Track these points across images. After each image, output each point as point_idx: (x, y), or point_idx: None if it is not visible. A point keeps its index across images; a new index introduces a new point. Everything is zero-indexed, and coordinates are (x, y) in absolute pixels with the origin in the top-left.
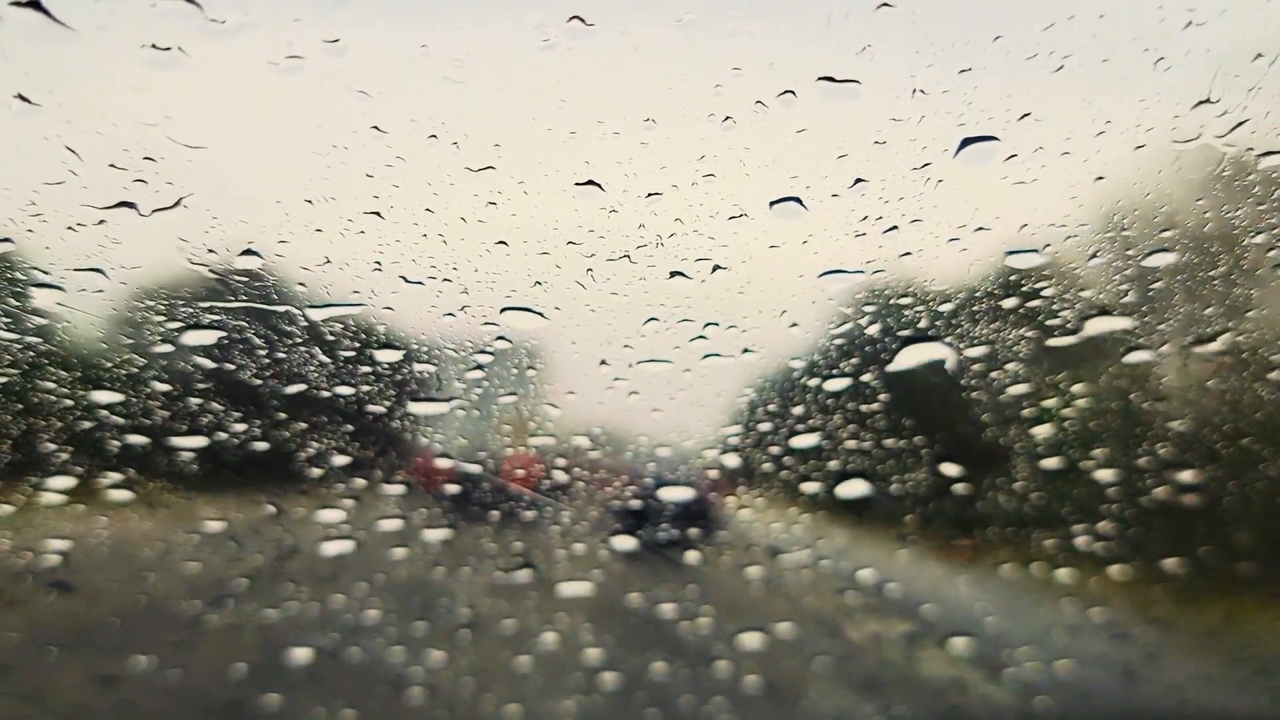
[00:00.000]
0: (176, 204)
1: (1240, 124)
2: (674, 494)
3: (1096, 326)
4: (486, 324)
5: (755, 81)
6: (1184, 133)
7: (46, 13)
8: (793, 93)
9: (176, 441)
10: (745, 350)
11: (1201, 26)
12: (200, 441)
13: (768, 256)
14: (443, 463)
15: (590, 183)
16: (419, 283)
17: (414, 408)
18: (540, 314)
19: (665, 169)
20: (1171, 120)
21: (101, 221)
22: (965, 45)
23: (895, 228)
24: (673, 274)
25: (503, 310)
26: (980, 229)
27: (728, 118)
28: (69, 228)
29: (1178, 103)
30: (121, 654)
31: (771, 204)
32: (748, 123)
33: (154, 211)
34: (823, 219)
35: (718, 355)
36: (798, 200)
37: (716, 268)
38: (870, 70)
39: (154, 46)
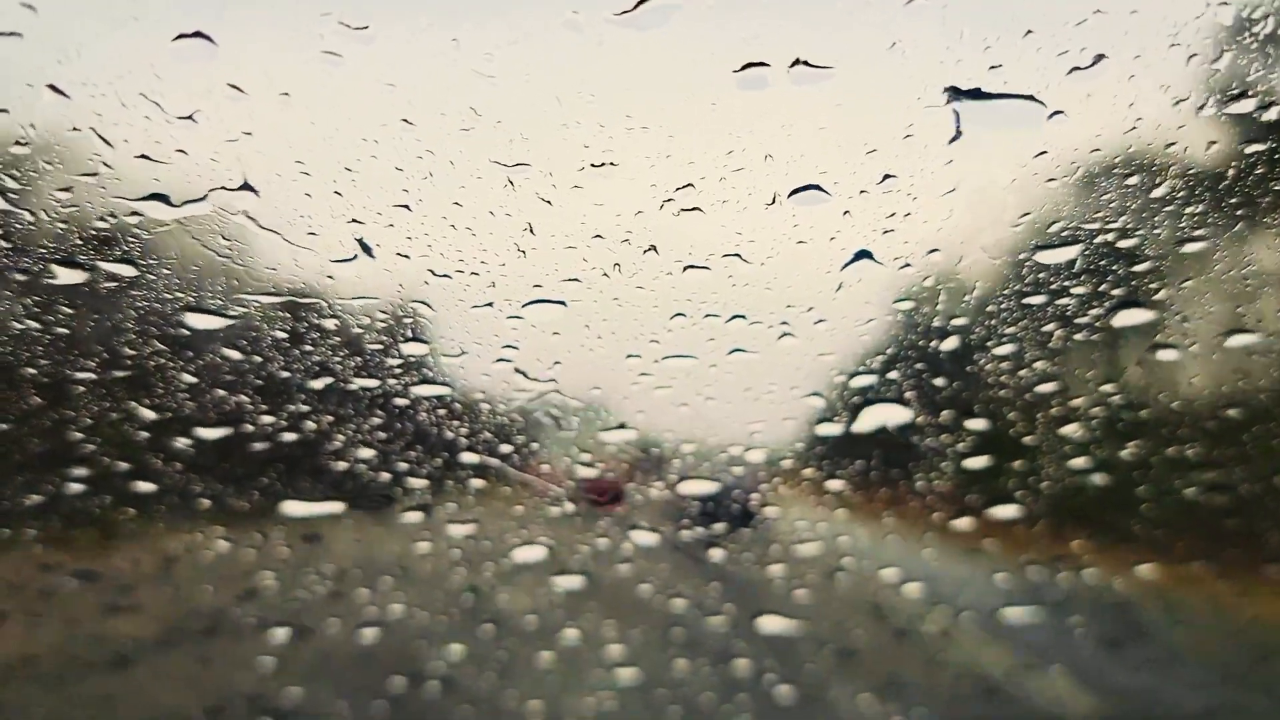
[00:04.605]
0: (206, 196)
1: (1275, 121)
2: (699, 489)
3: (1124, 319)
4: (512, 317)
5: (783, 77)
6: (1217, 130)
7: None
8: (820, 87)
9: (202, 433)
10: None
11: (1234, 23)
12: (225, 432)
13: (795, 252)
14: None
15: (617, 176)
16: (446, 276)
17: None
18: (561, 302)
19: (693, 164)
20: (1205, 117)
21: (133, 213)
22: (996, 41)
23: (925, 223)
24: (699, 269)
25: (524, 304)
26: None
27: (755, 113)
28: (100, 218)
29: (1211, 99)
30: (146, 644)
31: (791, 193)
32: (776, 118)
33: (184, 203)
34: (851, 214)
35: (743, 351)
36: (819, 188)
37: (744, 262)
38: (900, 66)
39: (185, 37)
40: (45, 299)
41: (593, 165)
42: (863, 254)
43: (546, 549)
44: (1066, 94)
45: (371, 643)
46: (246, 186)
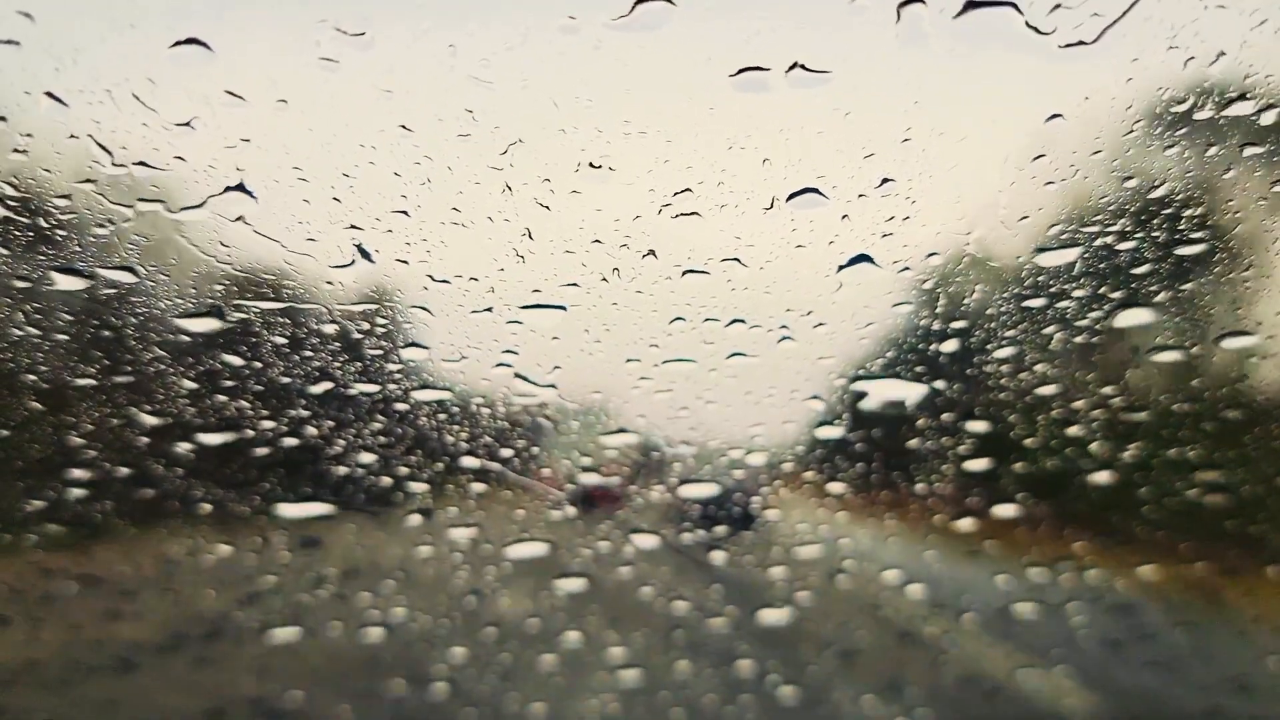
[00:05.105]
0: (205, 203)
1: (1273, 124)
2: (699, 492)
3: (1124, 321)
4: (511, 322)
5: (781, 81)
6: (1216, 133)
7: None
8: (818, 91)
9: (203, 438)
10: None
11: (1234, 26)
12: (226, 438)
13: (794, 256)
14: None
15: (615, 181)
16: (446, 281)
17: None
18: (560, 307)
19: (691, 168)
20: (1203, 120)
21: (131, 220)
22: (993, 43)
23: (924, 226)
24: (698, 273)
25: (522, 308)
26: (1009, 228)
27: (753, 118)
28: (99, 225)
29: (1209, 102)
30: (148, 649)
31: (789, 197)
32: (773, 122)
33: (182, 209)
34: (849, 218)
35: (743, 355)
36: (817, 191)
37: (742, 266)
38: (898, 69)
39: (182, 44)
40: (45, 306)
41: (592, 166)
42: (862, 258)
43: (548, 552)
44: (1065, 97)
45: (374, 646)
46: (241, 188)
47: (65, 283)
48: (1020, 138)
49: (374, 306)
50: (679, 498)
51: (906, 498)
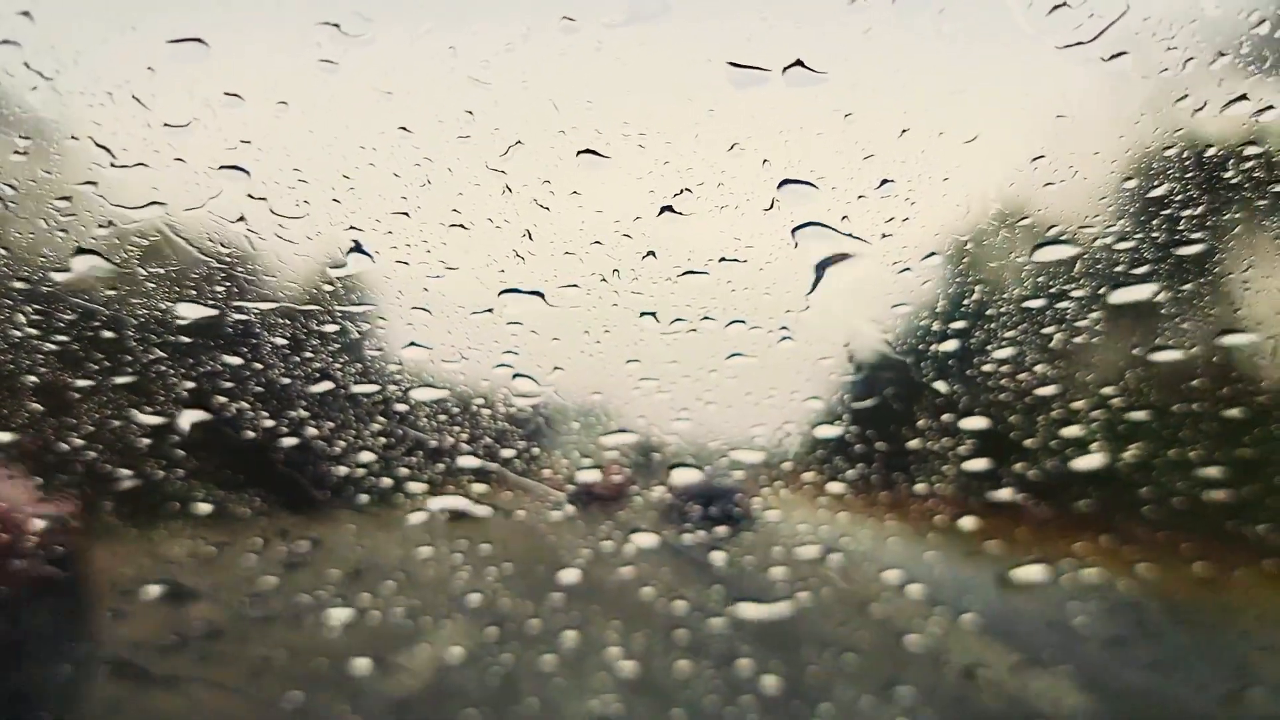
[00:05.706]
0: (204, 204)
1: (1273, 123)
2: (688, 477)
3: (1123, 322)
4: (511, 324)
5: (780, 81)
6: (1215, 134)
7: None
8: (817, 90)
9: (203, 438)
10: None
11: (1231, 26)
12: (226, 438)
13: (793, 257)
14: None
15: (615, 181)
16: (451, 274)
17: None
18: (541, 294)
19: (691, 169)
20: (1203, 119)
21: (132, 221)
22: (994, 42)
23: (923, 227)
24: (698, 274)
25: (500, 293)
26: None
27: (753, 118)
28: (100, 226)
29: (1209, 102)
30: (149, 651)
31: (779, 185)
32: (773, 123)
33: (184, 210)
34: (849, 219)
35: (742, 355)
36: (809, 183)
37: (742, 267)
38: (897, 69)
39: (181, 42)
40: (45, 307)
41: (589, 171)
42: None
43: (547, 553)
44: (1063, 97)
45: (374, 646)
46: (236, 168)
47: (66, 283)
48: (1019, 138)
49: (373, 307)
50: (677, 496)
51: (906, 498)
